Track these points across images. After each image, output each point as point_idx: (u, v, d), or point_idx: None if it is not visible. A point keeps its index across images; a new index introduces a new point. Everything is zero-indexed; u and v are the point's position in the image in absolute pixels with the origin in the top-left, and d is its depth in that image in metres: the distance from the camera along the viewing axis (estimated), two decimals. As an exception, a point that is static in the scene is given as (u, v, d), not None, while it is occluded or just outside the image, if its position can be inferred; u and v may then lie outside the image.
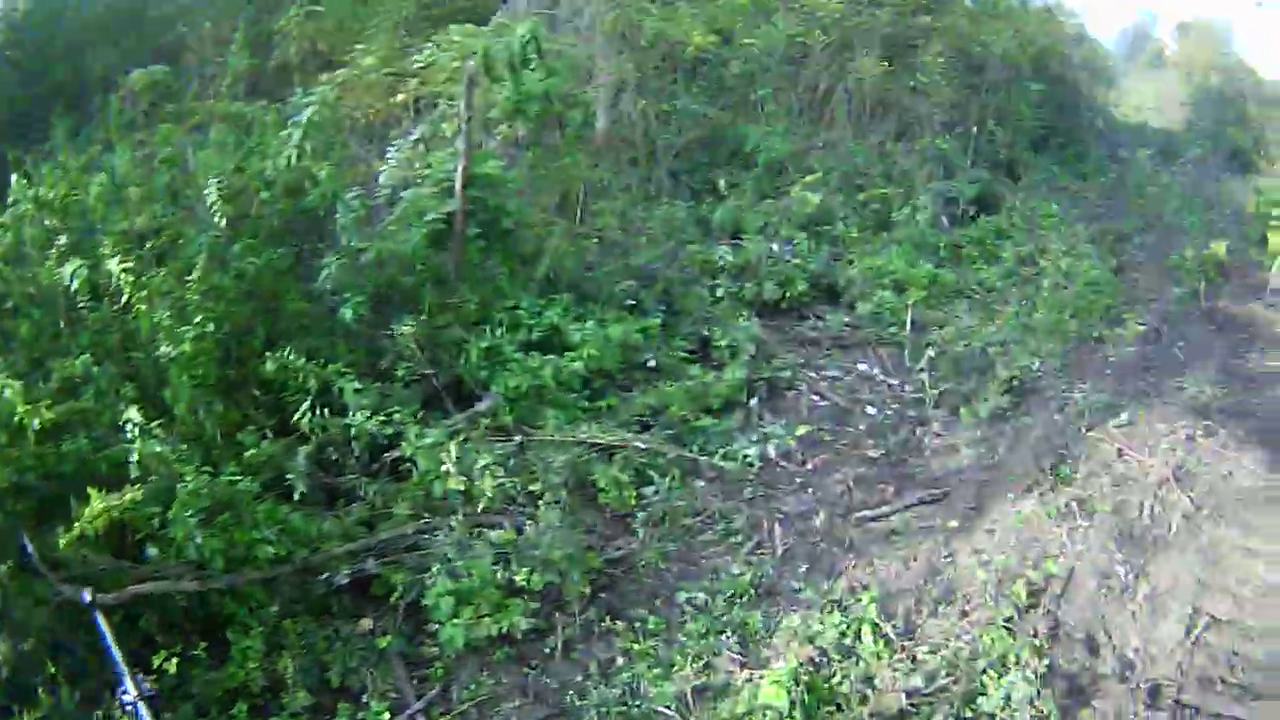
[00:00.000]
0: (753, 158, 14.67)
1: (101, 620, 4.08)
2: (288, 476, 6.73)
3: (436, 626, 6.39)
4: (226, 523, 6.05)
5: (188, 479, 5.82)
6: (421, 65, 8.87)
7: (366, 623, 6.48)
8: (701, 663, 6.57)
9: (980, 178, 17.27)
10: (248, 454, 6.62)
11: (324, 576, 6.45)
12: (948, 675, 6.61)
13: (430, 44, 8.95)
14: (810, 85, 16.52)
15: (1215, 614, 7.77)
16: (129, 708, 3.65)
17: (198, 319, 6.70)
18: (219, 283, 7.07)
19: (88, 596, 5.15)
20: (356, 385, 7.24)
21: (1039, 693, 6.51)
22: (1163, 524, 8.72)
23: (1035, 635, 7.13)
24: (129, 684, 3.79)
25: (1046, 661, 6.80)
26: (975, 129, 18.10)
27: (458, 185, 8.41)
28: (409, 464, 7.22)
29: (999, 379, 10.69)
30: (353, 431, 7.07)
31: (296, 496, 6.62)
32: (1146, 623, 7.63)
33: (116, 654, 3.82)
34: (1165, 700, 6.86)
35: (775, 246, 12.31)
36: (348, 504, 7.11)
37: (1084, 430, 10.02)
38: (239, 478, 6.31)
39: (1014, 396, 10.64)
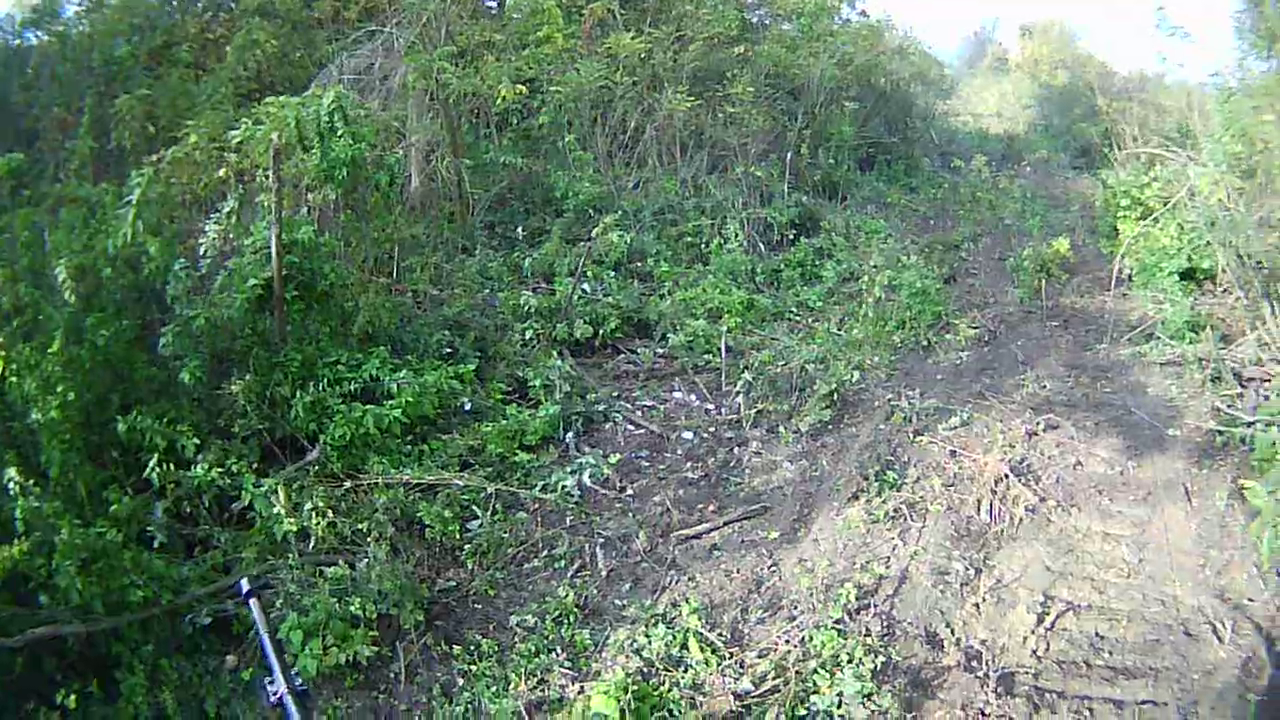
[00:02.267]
0: (562, 203, 15.73)
1: (257, 608, 4.52)
2: (149, 528, 7.57)
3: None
4: (101, 570, 6.90)
5: (64, 532, 6.71)
6: (239, 139, 9.45)
7: (232, 658, 7.31)
8: (536, 679, 7.43)
9: (798, 201, 18.40)
10: (113, 508, 7.33)
11: (189, 618, 7.38)
12: (777, 677, 7.44)
13: (246, 118, 9.59)
14: (619, 127, 17.67)
15: (1073, 600, 8.71)
16: (276, 701, 3.96)
17: (59, 388, 7.42)
18: (75, 354, 7.77)
19: None
20: (196, 441, 8.02)
21: (876, 688, 7.33)
22: (1004, 518, 9.69)
23: (868, 634, 7.97)
24: (278, 677, 4.13)
25: (881, 658, 7.62)
26: (791, 154, 19.13)
27: (273, 252, 9.15)
28: (254, 512, 8.07)
29: (819, 394, 11.76)
30: (197, 484, 7.84)
31: (156, 545, 7.49)
32: (993, 614, 8.48)
33: (268, 646, 4.21)
34: (1021, 687, 7.68)
35: (586, 287, 13.38)
36: (204, 550, 8.00)
37: (912, 435, 11.13)
38: (107, 530, 7.10)
39: (836, 410, 11.73)
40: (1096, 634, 8.24)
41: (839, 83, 22.28)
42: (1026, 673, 7.77)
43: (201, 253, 9.20)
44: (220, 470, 8.04)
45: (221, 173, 9.77)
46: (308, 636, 7.17)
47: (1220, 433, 10.99)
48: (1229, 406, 11.44)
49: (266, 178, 9.23)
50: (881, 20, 27.50)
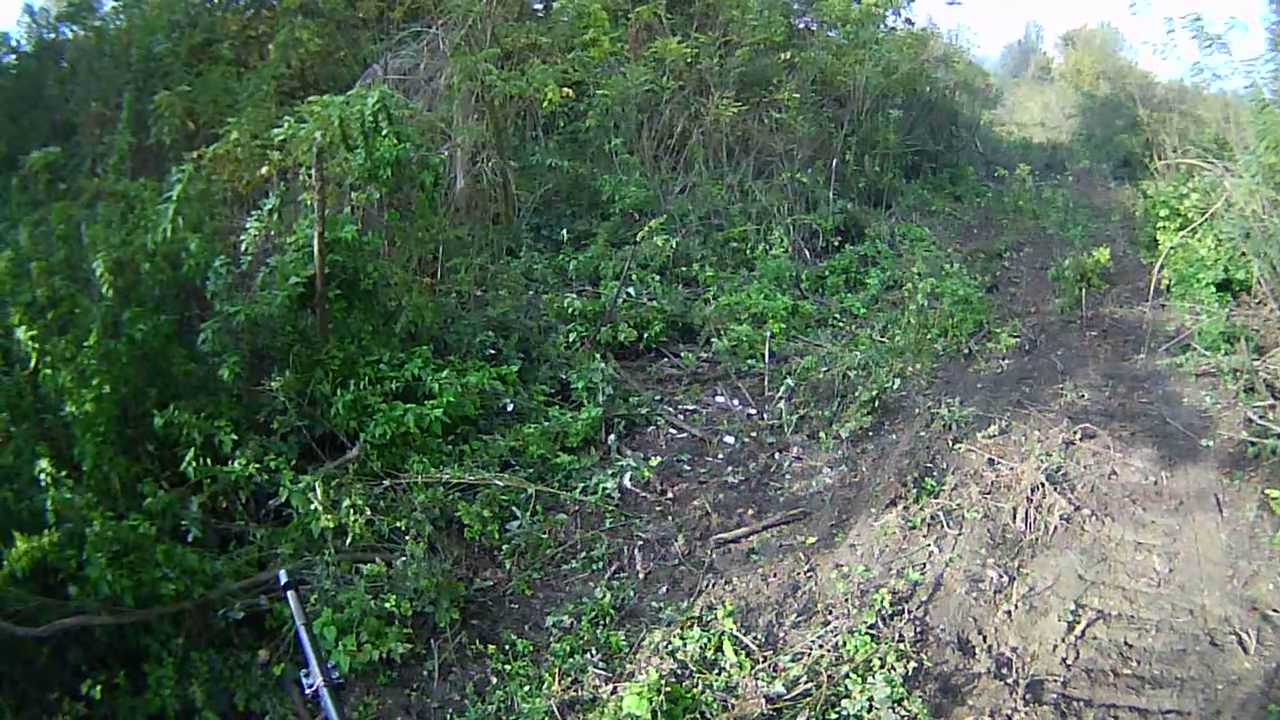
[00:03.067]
0: (608, 207, 15.77)
1: (294, 600, 4.25)
2: (183, 522, 7.47)
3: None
4: (133, 563, 6.83)
5: (96, 524, 6.66)
6: (282, 137, 9.35)
7: (264, 653, 7.24)
8: (569, 679, 7.30)
9: (844, 208, 18.36)
10: (147, 502, 7.25)
11: (221, 612, 7.29)
12: (809, 681, 7.27)
13: (289, 116, 9.46)
14: (665, 131, 17.65)
15: (1103, 609, 8.54)
16: (311, 693, 3.90)
17: (95, 381, 7.38)
18: (112, 348, 7.66)
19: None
20: (234, 437, 7.94)
21: (906, 694, 7.18)
22: (1039, 527, 9.57)
23: (900, 640, 7.82)
24: (315, 668, 3.82)
25: (913, 664, 7.48)
26: (837, 160, 19.08)
27: (316, 250, 9.11)
28: (291, 509, 8.00)
29: (860, 401, 11.61)
30: (234, 479, 7.79)
31: (191, 539, 7.40)
32: (1024, 621, 8.33)
33: (304, 636, 4.20)
34: (1049, 695, 7.54)
35: (631, 291, 13.35)
36: (239, 546, 7.89)
37: (951, 443, 10.99)
38: (140, 523, 7.03)
39: (877, 417, 11.61)
40: (1125, 643, 8.13)
41: (884, 90, 22.22)
42: (1055, 680, 7.68)
43: (243, 249, 9.08)
44: (258, 466, 7.93)
45: (264, 170, 9.71)
46: (342, 633, 7.16)
47: (1252, 443, 10.82)
48: (1261, 418, 11.26)
49: (309, 176, 9.18)
50: (926, 28, 27.29)
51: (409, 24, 14.95)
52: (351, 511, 7.80)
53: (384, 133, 9.46)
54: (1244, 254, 13.64)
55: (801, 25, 23.61)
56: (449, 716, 7.11)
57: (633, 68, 17.02)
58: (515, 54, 15.38)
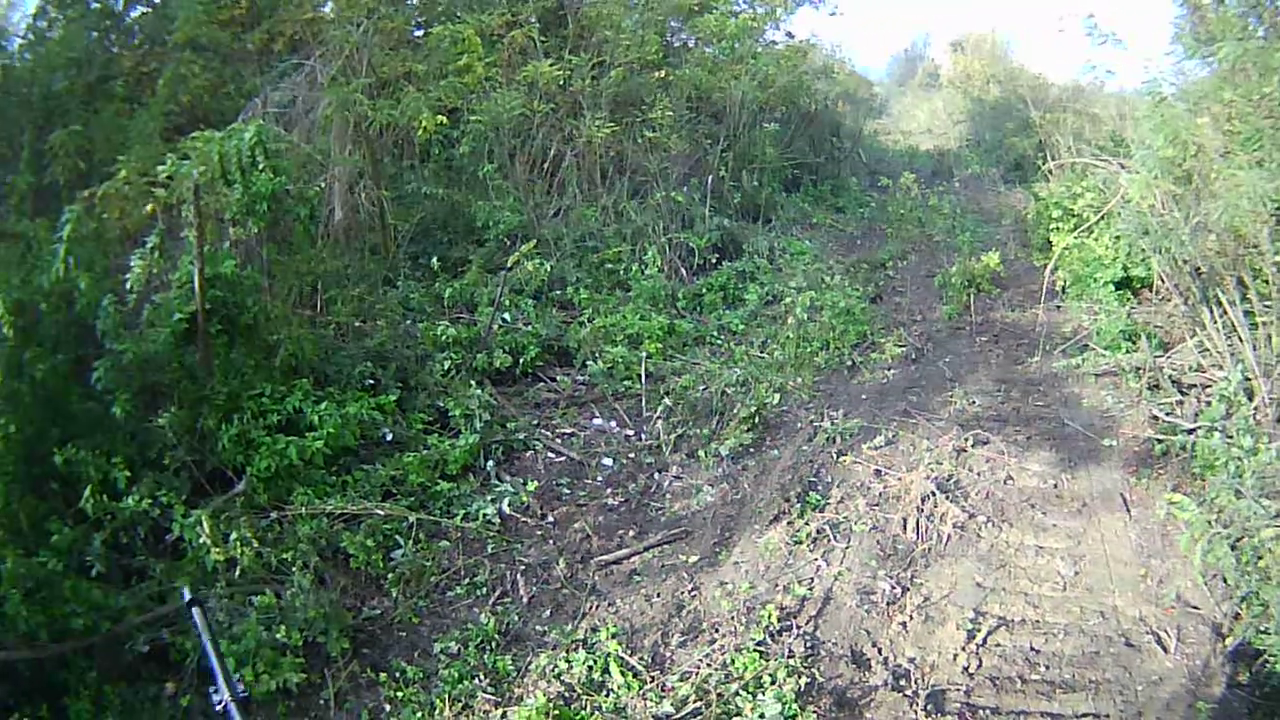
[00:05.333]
0: (484, 233, 16.22)
1: (199, 616, 4.47)
2: (87, 558, 7.85)
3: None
4: (45, 599, 7.30)
5: (8, 562, 7.20)
6: (167, 174, 9.51)
7: (171, 685, 7.55)
8: (460, 705, 7.63)
9: (720, 225, 18.93)
10: (54, 539, 7.67)
11: (128, 645, 7.60)
12: (698, 700, 7.57)
13: (172, 153, 9.64)
14: (539, 155, 18.14)
15: (1005, 616, 8.84)
16: (220, 709, 4.09)
17: (1, 421, 7.79)
18: (16, 389, 8.10)
19: None
20: (128, 474, 8.30)
21: (799, 710, 7.44)
22: (931, 536, 9.95)
23: (790, 655, 8.10)
24: (222, 684, 4.14)
25: (805, 679, 7.76)
26: (713, 177, 19.65)
27: (196, 286, 9.37)
28: (185, 542, 8.25)
29: (739, 418, 12.13)
30: (129, 515, 8.14)
31: (95, 574, 7.80)
32: (920, 631, 8.63)
33: (211, 653, 4.28)
34: (952, 704, 7.76)
35: (506, 316, 13.85)
36: (140, 580, 8.21)
37: (836, 456, 11.51)
38: (49, 559, 7.53)
39: (757, 433, 12.12)
40: (1031, 648, 8.42)
41: (761, 104, 22.93)
42: (958, 690, 7.94)
43: (128, 287, 9.37)
44: (151, 502, 8.29)
45: (149, 208, 10.01)
46: (240, 664, 7.44)
47: (1160, 441, 11.30)
48: (1168, 414, 11.78)
49: (190, 212, 9.51)
50: (806, 41, 27.75)
51: (290, 56, 15.39)
52: (240, 544, 8.13)
53: (260, 167, 9.79)
54: (1143, 250, 14.21)
55: (678, 43, 24.14)
56: None
57: (505, 92, 17.48)
58: (391, 82, 15.84)
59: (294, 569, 8.43)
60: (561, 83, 18.59)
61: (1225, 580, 8.87)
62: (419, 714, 7.56)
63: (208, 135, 9.81)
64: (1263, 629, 8.06)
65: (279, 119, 13.17)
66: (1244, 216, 9.90)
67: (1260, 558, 8.42)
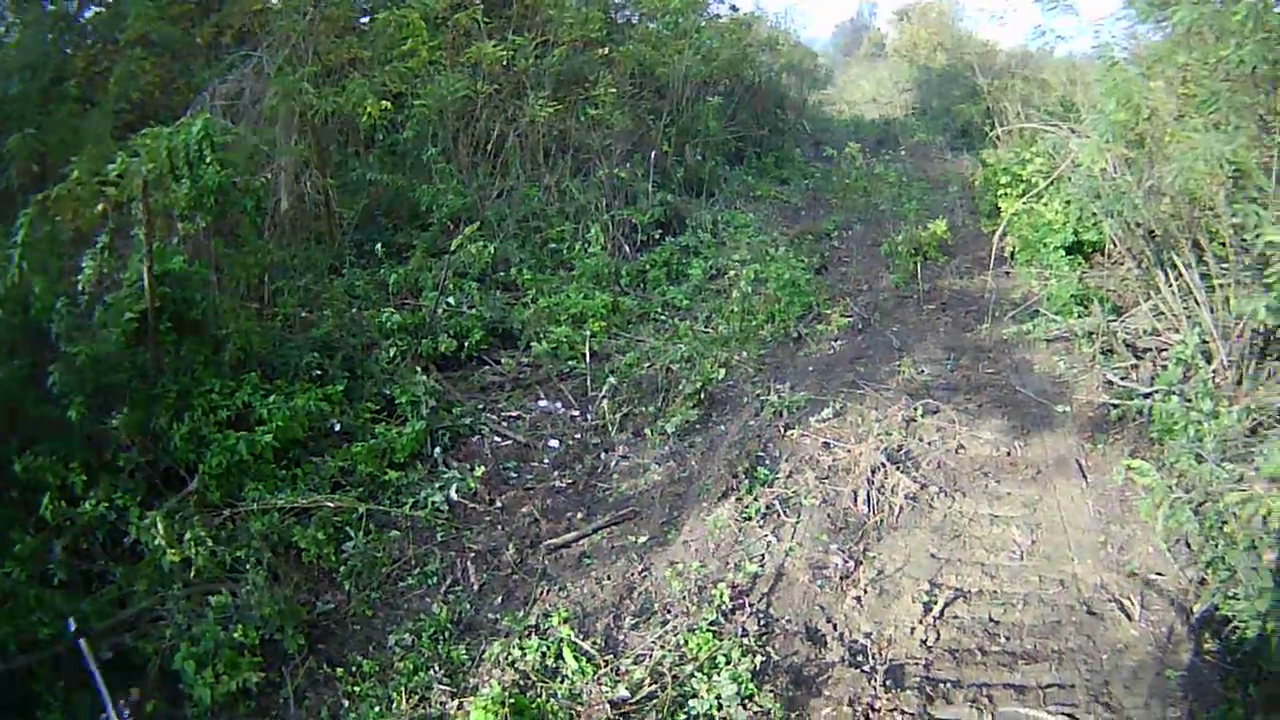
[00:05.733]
0: (428, 217, 16.33)
1: (86, 648, 4.58)
2: (49, 565, 8.01)
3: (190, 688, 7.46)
4: (11, 610, 7.49)
5: None
6: (117, 172, 9.45)
7: (136, 690, 7.50)
8: (417, 697, 7.67)
9: (664, 200, 19.11)
10: (16, 548, 7.84)
11: (94, 652, 7.46)
12: (654, 683, 7.62)
13: (123, 151, 9.60)
14: (482, 137, 18.26)
15: (962, 587, 8.88)
16: None
17: None
18: None
19: None
20: (85, 478, 8.46)
21: (756, 689, 7.48)
22: (883, 508, 9.98)
23: (744, 634, 8.14)
24: (111, 712, 4.17)
25: (760, 658, 7.78)
26: (656, 152, 19.88)
27: (145, 284, 9.48)
28: (142, 545, 8.36)
29: (684, 394, 12.31)
30: (87, 520, 8.31)
31: (57, 582, 7.96)
32: (876, 606, 8.65)
33: (100, 683, 4.34)
34: (912, 678, 7.79)
35: (450, 300, 13.97)
36: (101, 585, 8.30)
37: (783, 430, 11.50)
38: (13, 569, 7.72)
39: (703, 409, 12.23)
40: (990, 619, 8.48)
41: (705, 78, 23.05)
42: (917, 663, 7.99)
43: (80, 289, 9.43)
44: (108, 505, 8.47)
45: (100, 207, 9.98)
46: (200, 665, 7.55)
47: (1115, 406, 11.41)
48: (1123, 379, 11.93)
49: (139, 209, 9.61)
50: (750, 13, 28.08)
51: (238, 48, 15.34)
52: (194, 544, 8.28)
53: (208, 160, 9.85)
54: (1094, 215, 14.27)
55: (621, 19, 24.27)
56: None
57: (449, 75, 17.55)
58: (337, 70, 15.91)
59: (248, 566, 8.53)
60: (505, 63, 18.70)
61: (1189, 546, 9.01)
62: (377, 708, 7.64)
63: (156, 131, 9.86)
64: (1231, 594, 8.18)
65: (226, 111, 13.14)
66: (1200, 179, 10.01)
67: (1225, 522, 8.52)
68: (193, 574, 8.34)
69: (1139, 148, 11.56)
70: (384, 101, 15.47)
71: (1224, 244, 10.82)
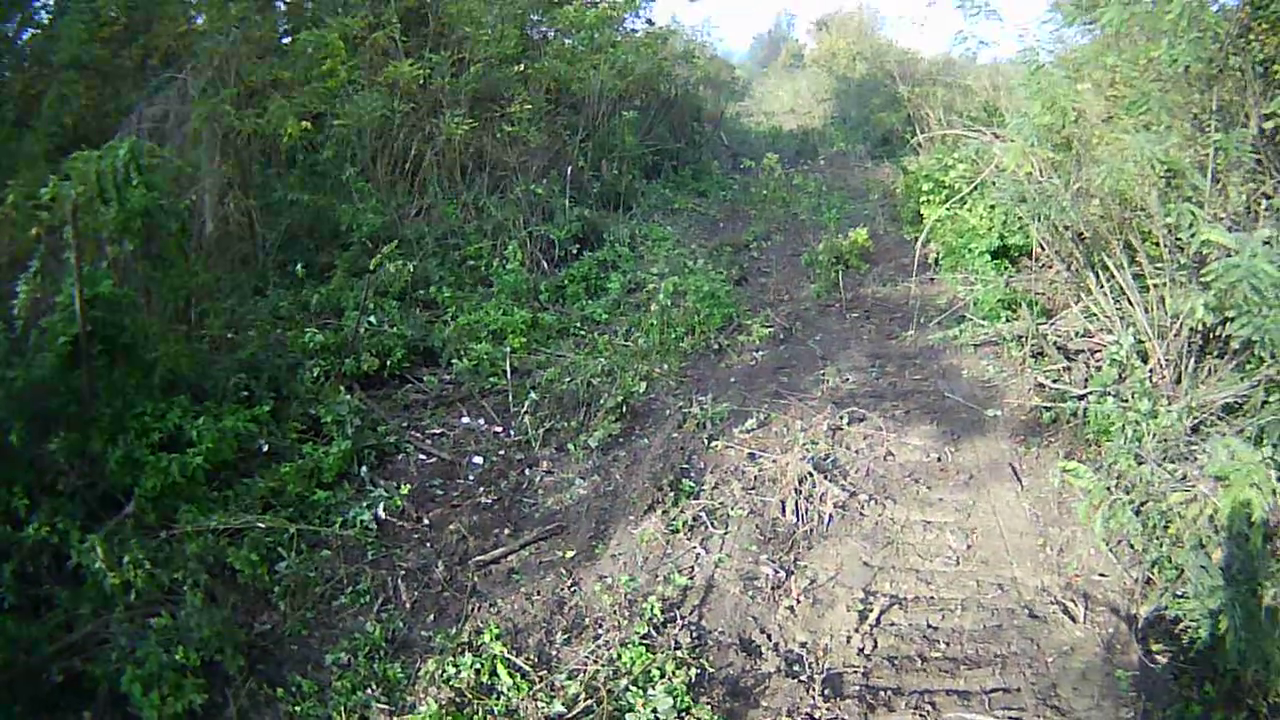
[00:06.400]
0: (348, 236, 16.50)
1: None
2: None
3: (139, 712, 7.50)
4: None
5: None
6: (49, 195, 9.70)
7: (88, 715, 7.54)
8: (356, 716, 7.74)
9: (581, 215, 19.40)
10: None
11: (45, 676, 7.69)
12: (589, 698, 7.73)
13: (55, 175, 9.84)
14: (400, 155, 18.50)
15: (897, 594, 9.07)
16: None
17: None
18: None
19: None
20: (27, 502, 8.64)
21: (693, 702, 7.62)
22: (812, 517, 10.18)
23: (677, 647, 8.29)
24: None
25: (695, 670, 7.95)
26: (572, 168, 20.11)
27: (77, 308, 9.53)
28: (84, 569, 8.36)
29: (606, 408, 12.40)
30: (30, 544, 8.42)
31: (6, 606, 8.09)
32: (810, 615, 8.84)
33: None
34: (851, 687, 7.95)
35: (372, 319, 14.16)
36: (49, 609, 8.26)
37: (707, 442, 11.79)
38: None
39: (625, 422, 12.35)
40: (929, 625, 8.71)
41: (621, 93, 23.34)
42: (855, 672, 8.16)
43: (15, 314, 9.67)
44: (50, 529, 8.60)
45: (34, 231, 10.18)
46: (146, 688, 7.58)
47: (1048, 408, 11.78)
48: (1055, 381, 12.18)
49: (71, 234, 9.68)
50: (666, 27, 28.20)
51: (165, 70, 15.39)
52: (134, 567, 8.43)
53: (135, 183, 10.03)
54: (1020, 219, 14.46)
55: (537, 35, 24.40)
56: None
57: (368, 94, 17.75)
58: (259, 91, 16.06)
59: (185, 588, 8.67)
60: (422, 81, 18.93)
61: (1131, 546, 9.24)
62: None
63: (85, 154, 10.05)
64: (1179, 594, 8.38)
65: (153, 134, 13.23)
66: (1130, 180, 10.22)
67: (1170, 523, 8.75)
68: (134, 596, 8.49)
69: (1065, 150, 11.78)
70: (304, 122, 15.82)
71: (1157, 244, 11.09)
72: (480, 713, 7.76)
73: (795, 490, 10.62)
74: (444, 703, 7.77)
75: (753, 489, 10.86)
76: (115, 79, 16.06)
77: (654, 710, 7.62)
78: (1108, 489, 9.43)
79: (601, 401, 12.69)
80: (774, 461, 11.26)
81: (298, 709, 7.89)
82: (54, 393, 9.75)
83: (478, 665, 8.24)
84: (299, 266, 15.22)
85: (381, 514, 10.58)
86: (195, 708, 7.70)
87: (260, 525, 9.68)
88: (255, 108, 15.37)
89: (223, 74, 14.98)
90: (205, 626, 8.15)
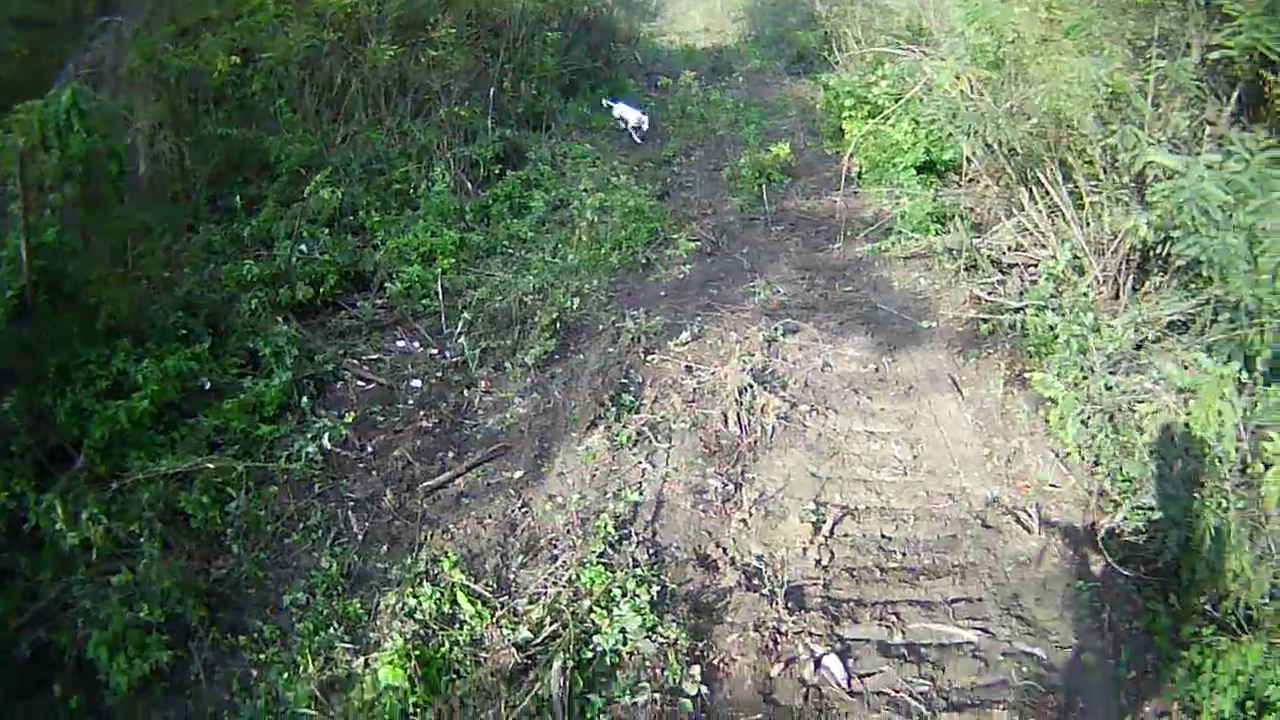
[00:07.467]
0: (276, 167, 16.17)
1: None
2: None
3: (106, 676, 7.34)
4: None
5: None
6: None
7: (57, 688, 7.46)
8: (321, 658, 7.67)
9: (503, 135, 19.08)
10: None
11: (13, 652, 7.57)
12: (554, 622, 7.75)
13: None
14: (326, 84, 18.10)
15: (848, 505, 9.09)
16: None
17: None
18: None
19: None
20: None
21: (659, 620, 7.68)
22: (755, 429, 10.16)
23: (636, 565, 8.30)
24: None
25: (656, 588, 7.96)
26: (494, 89, 19.88)
27: (24, 258, 9.43)
28: (42, 531, 8.22)
29: (540, 325, 12.21)
30: None
31: None
32: (763, 527, 8.84)
33: None
34: (813, 599, 8.02)
35: (303, 248, 13.96)
36: (10, 579, 8.15)
37: (644, 355, 11.59)
38: None
39: (560, 338, 12.18)
40: (883, 535, 8.78)
41: (540, 15, 22.88)
42: (815, 584, 8.23)
43: None
44: (7, 494, 8.44)
45: None
46: (112, 651, 7.48)
47: (984, 321, 11.70)
48: (990, 294, 12.11)
49: (15, 185, 9.56)
50: None
51: (100, 16, 14.89)
52: (90, 523, 8.30)
53: (75, 129, 9.82)
54: (948, 135, 14.23)
55: None
56: (225, 718, 7.46)
57: (295, 25, 17.35)
58: (191, 30, 15.76)
59: (142, 539, 8.55)
60: (348, 10, 18.51)
61: (1081, 457, 9.28)
62: (285, 675, 7.65)
63: (28, 105, 9.87)
64: (1138, 505, 8.46)
65: (89, 79, 12.85)
66: (1074, 101, 10.05)
67: (1143, 431, 8.62)
68: (94, 555, 8.37)
69: (998, 69, 11.65)
70: (233, 57, 15.59)
71: (1090, 163, 11.00)
72: (445, 644, 7.71)
73: (736, 402, 10.57)
74: (408, 636, 7.67)
75: (693, 401, 10.79)
76: (52, 30, 15.60)
77: (622, 630, 7.65)
78: (1076, 399, 9.33)
79: (535, 319, 12.52)
80: (712, 374, 11.18)
81: (263, 656, 7.86)
82: (3, 350, 9.62)
83: (437, 595, 8.18)
84: (237, 198, 15.04)
85: (326, 444, 10.36)
86: (162, 665, 7.60)
87: (209, 466, 9.47)
88: (188, 47, 15.05)
89: (156, 16, 14.72)
90: (165, 577, 8.06)
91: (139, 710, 7.54)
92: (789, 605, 7.98)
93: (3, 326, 9.56)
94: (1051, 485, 9.33)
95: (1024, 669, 7.53)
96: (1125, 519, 8.54)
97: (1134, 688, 7.46)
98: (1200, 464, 7.89)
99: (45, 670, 7.72)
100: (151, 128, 14.33)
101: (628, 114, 21.43)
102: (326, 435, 10.43)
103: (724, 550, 8.71)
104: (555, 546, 8.83)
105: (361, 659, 7.66)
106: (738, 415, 10.42)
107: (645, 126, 21.56)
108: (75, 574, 8.22)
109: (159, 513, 8.89)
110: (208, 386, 10.81)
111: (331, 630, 8.02)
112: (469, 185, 17.93)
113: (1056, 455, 9.60)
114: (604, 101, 22.43)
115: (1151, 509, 8.28)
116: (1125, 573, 8.28)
